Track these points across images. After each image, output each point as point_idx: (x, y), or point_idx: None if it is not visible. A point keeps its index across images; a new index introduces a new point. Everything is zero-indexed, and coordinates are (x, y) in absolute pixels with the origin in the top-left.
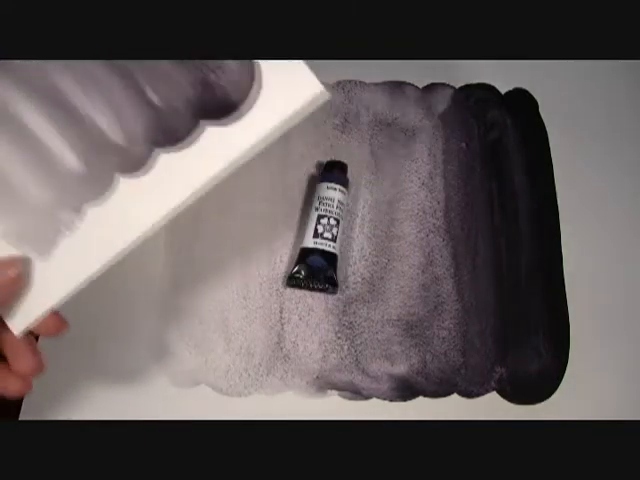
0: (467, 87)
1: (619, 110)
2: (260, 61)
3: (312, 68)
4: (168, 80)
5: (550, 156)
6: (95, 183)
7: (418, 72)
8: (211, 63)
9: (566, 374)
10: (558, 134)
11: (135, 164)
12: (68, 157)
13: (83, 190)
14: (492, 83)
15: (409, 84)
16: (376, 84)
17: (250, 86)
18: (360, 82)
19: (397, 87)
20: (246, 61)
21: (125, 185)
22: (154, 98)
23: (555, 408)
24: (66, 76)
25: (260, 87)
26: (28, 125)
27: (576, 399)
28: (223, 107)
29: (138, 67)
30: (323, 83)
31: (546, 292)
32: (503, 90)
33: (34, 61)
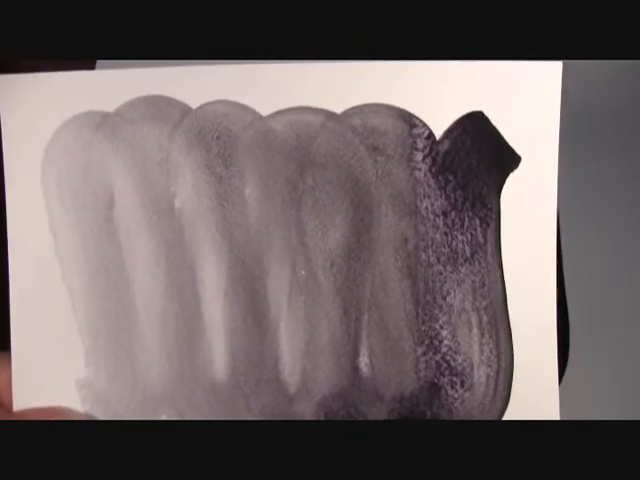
0: None
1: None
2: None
3: None
4: None
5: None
6: (225, 408)
7: None
8: None
9: (566, 374)
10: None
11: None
12: (219, 363)
13: (210, 403)
14: None
15: None
16: None
17: None
18: None
19: None
20: None
21: None
22: None
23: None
24: None
25: None
26: (204, 314)
27: (576, 399)
28: None
29: None
30: None
31: None
32: None
33: None
